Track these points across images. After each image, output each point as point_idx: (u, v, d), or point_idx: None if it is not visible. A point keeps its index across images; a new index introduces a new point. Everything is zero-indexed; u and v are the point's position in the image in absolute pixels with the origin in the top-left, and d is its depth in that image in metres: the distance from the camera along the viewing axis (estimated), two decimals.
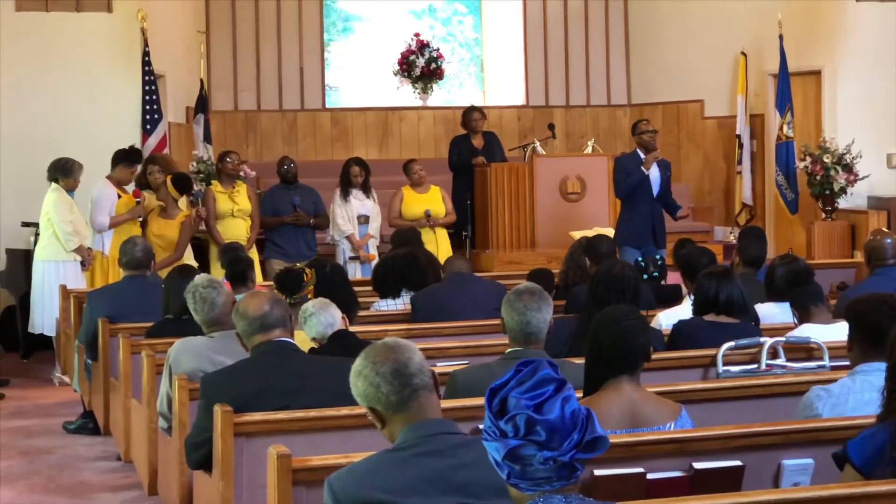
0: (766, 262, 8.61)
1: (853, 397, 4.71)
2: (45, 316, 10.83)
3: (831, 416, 4.71)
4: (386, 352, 3.53)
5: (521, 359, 5.09)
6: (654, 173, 11.18)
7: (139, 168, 11.58)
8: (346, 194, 12.28)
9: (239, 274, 8.12)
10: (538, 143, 14.27)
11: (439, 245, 12.21)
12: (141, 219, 11.45)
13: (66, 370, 10.30)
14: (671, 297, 8.34)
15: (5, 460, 8.18)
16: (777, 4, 15.29)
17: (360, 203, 12.32)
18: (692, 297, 7.13)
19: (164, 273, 10.35)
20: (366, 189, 12.37)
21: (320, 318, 6.18)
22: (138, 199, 11.41)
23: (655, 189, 11.21)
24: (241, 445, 5.02)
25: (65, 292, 10.16)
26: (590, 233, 10.98)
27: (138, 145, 12.50)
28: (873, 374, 4.63)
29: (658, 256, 8.86)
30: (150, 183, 11.56)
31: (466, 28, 18.30)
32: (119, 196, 11.35)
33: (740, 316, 6.62)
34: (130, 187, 11.59)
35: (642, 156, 11.18)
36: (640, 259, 8.78)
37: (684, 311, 7.23)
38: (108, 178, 11.39)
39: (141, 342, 7.37)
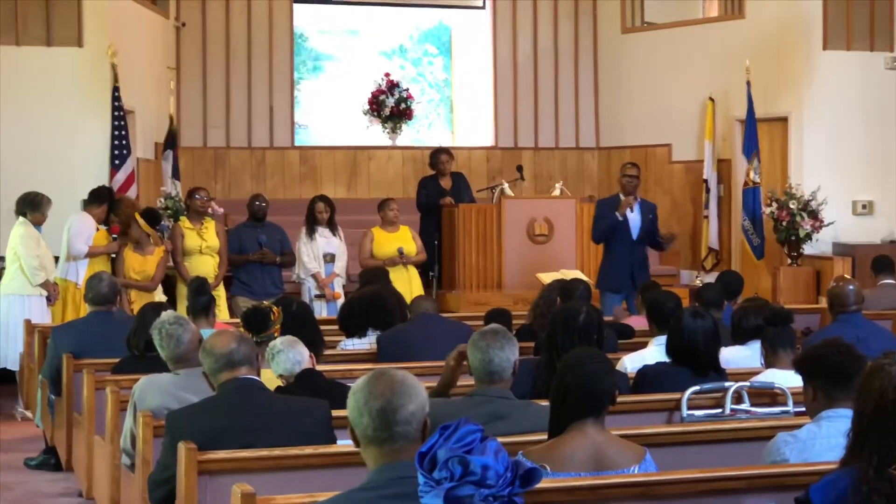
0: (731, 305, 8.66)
1: (819, 443, 4.71)
2: (8, 349, 10.78)
3: (798, 460, 4.71)
4: (385, 389, 3.44)
5: (486, 397, 5.18)
6: (633, 217, 11.18)
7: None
8: (311, 232, 12.26)
9: (203, 306, 8.10)
10: (506, 185, 14.30)
11: (412, 282, 12.20)
12: (115, 255, 11.45)
13: (28, 405, 10.23)
14: (623, 336, 8.49)
15: None
16: (745, 51, 15.41)
17: (326, 241, 12.29)
18: (657, 340, 7.18)
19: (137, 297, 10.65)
20: (332, 226, 12.35)
21: (288, 354, 6.19)
22: (115, 236, 11.45)
23: (635, 233, 11.20)
24: (204, 483, 4.98)
25: (29, 327, 10.10)
26: (557, 275, 10.98)
27: (107, 180, 12.52)
28: (839, 421, 4.62)
29: None
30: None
31: (436, 69, 18.39)
32: (97, 229, 11.45)
33: (707, 362, 6.57)
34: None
35: (623, 198, 11.22)
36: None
37: (649, 354, 7.26)
38: (87, 211, 11.46)
39: (105, 378, 7.33)
